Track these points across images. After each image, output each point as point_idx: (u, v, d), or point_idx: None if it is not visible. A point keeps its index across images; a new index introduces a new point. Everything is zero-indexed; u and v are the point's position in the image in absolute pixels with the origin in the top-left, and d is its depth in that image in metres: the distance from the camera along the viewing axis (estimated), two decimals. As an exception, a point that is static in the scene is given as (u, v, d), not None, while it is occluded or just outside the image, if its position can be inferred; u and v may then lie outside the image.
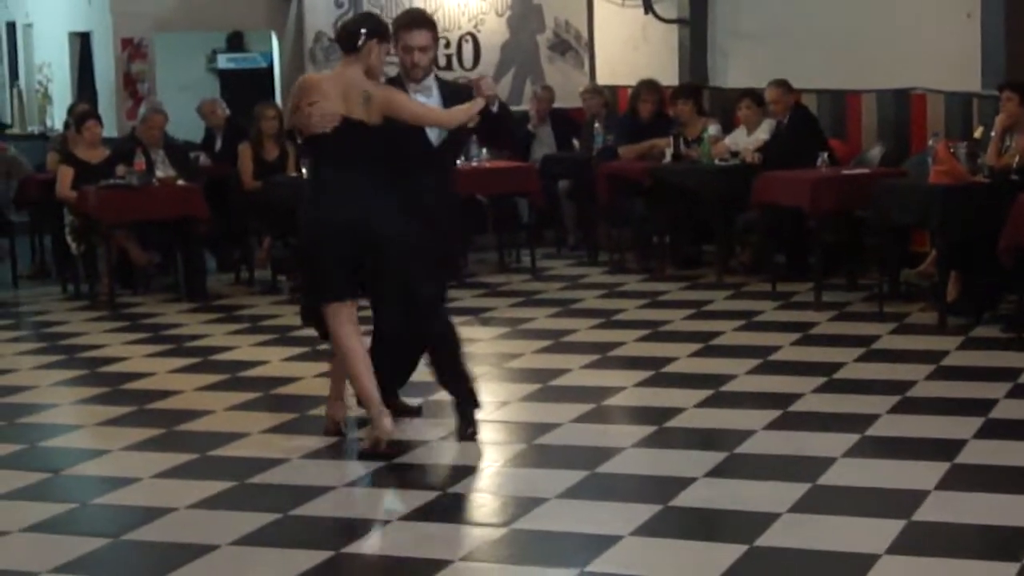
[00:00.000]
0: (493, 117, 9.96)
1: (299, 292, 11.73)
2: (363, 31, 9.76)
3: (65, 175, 16.16)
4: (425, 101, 9.91)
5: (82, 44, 21.62)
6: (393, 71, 10.15)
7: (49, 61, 23.60)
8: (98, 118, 17.42)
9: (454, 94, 10.08)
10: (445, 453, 10.00)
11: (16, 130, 22.68)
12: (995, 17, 14.17)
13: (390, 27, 10.07)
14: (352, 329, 9.72)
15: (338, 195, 9.63)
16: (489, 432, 10.14)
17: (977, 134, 13.50)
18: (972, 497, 8.41)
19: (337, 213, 9.55)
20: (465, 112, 9.77)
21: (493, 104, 9.85)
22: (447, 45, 19.29)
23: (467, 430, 10.02)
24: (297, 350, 12.79)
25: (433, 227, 9.93)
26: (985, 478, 8.73)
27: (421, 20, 10.21)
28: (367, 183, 9.75)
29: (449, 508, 8.73)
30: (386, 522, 8.32)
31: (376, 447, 9.64)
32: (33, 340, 14.17)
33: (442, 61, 19.30)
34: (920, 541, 7.68)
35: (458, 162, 11.38)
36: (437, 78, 10.32)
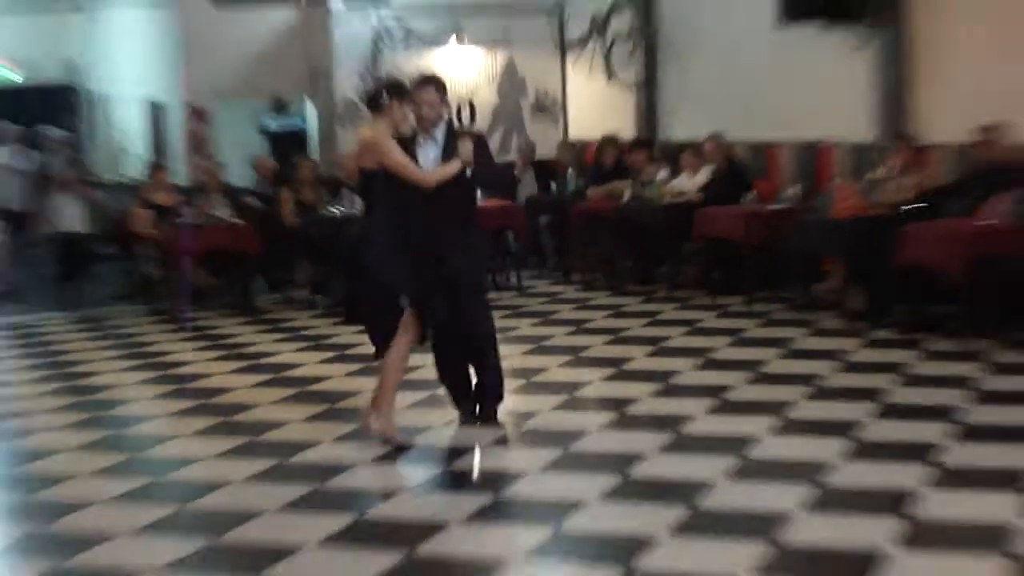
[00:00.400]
0: (472, 176, 9.88)
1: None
2: (385, 92, 9.73)
3: (142, 216, 16.19)
4: (428, 150, 9.80)
5: (156, 110, 21.60)
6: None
7: (129, 124, 23.60)
8: (168, 169, 17.47)
9: (475, 142, 9.94)
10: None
11: (107, 180, 22.66)
12: (885, 83, 14.23)
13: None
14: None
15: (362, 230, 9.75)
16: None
17: (873, 175, 13.54)
18: (867, 466, 8.46)
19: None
20: (439, 174, 9.65)
21: (468, 168, 9.69)
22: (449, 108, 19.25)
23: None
24: (330, 354, 12.79)
25: (412, 254, 9.63)
26: (879, 451, 8.79)
27: (430, 79, 10.08)
28: (371, 219, 9.84)
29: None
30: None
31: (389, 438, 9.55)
32: (116, 348, 14.13)
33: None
34: (825, 499, 7.74)
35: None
36: (450, 127, 10.19)
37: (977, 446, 8.80)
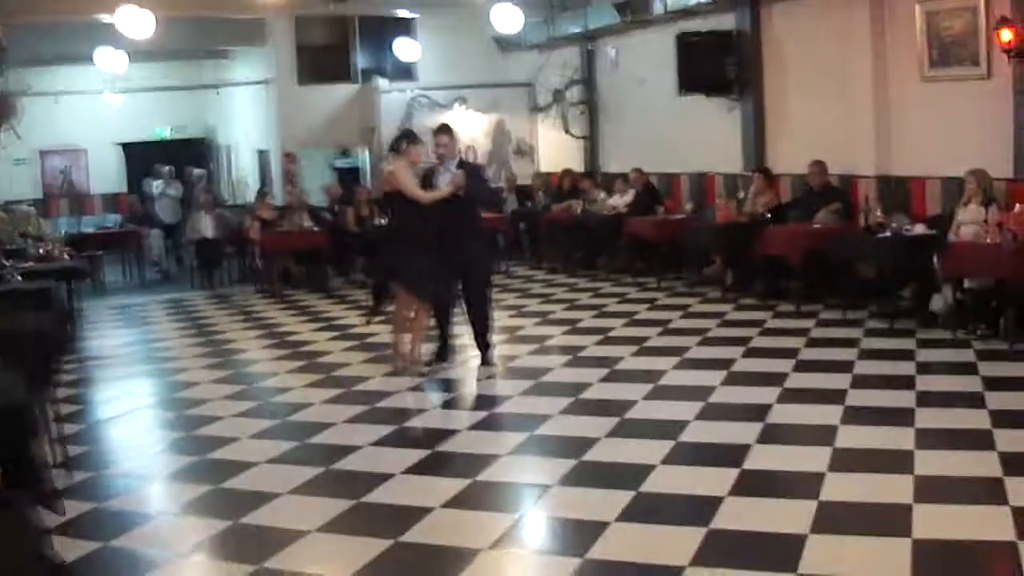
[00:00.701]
0: (468, 197, 9.69)
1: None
2: (403, 139, 9.74)
3: (254, 226, 16.15)
4: (443, 177, 9.69)
5: (263, 155, 21.58)
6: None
7: (245, 165, 23.60)
8: (270, 195, 17.45)
9: (468, 171, 9.81)
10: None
11: (228, 203, 22.61)
12: (749, 133, 14.24)
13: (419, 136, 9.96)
14: None
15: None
16: (477, 359, 10.17)
17: (741, 196, 13.56)
18: (739, 388, 8.49)
19: None
20: (433, 195, 9.53)
21: (460, 191, 9.54)
22: (460, 151, 19.12)
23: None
24: (380, 319, 12.72)
25: (434, 258, 9.50)
26: (746, 378, 8.80)
27: (443, 128, 10.07)
28: (389, 229, 9.97)
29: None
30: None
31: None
32: (237, 315, 14.15)
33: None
34: (708, 411, 7.79)
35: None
36: (461, 162, 10.18)
37: (808, 375, 8.82)
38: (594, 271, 16.18)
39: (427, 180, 9.85)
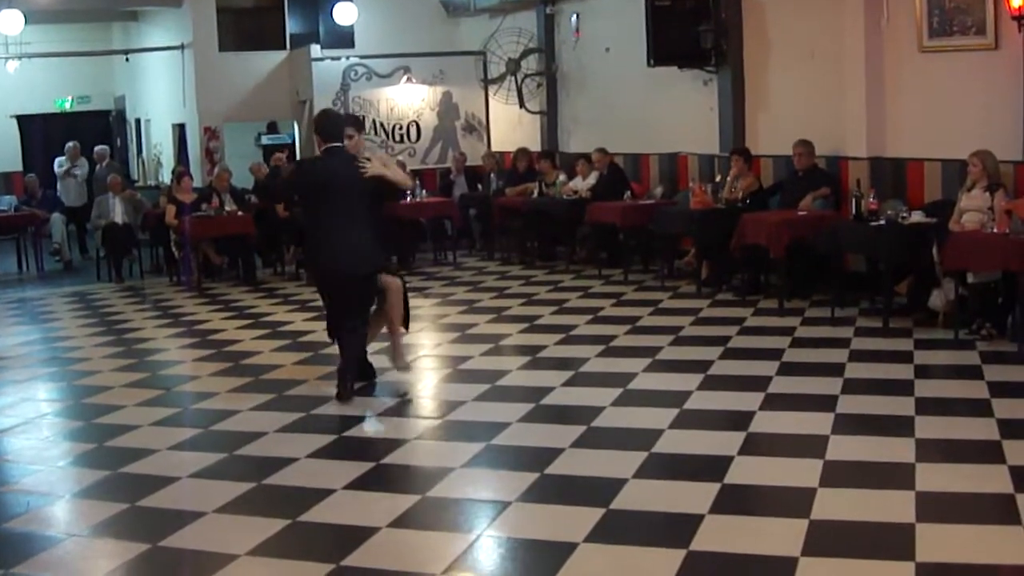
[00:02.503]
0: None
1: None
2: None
3: (170, 210, 16.04)
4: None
5: (180, 130, 21.46)
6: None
7: (160, 141, 23.43)
8: (190, 175, 17.37)
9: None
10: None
11: (140, 183, 22.48)
12: (726, 110, 14.28)
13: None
14: None
15: None
16: (425, 361, 10.15)
17: (717, 179, 13.60)
18: (715, 393, 8.52)
19: None
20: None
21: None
22: (401, 127, 19.22)
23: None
24: (310, 314, 12.71)
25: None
26: (724, 383, 8.82)
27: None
28: None
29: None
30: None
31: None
32: (152, 310, 14.07)
33: (396, 137, 19.28)
34: (683, 419, 7.81)
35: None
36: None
37: (792, 378, 8.86)
38: (553, 262, 16.23)
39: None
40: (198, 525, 6.24)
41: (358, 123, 10.24)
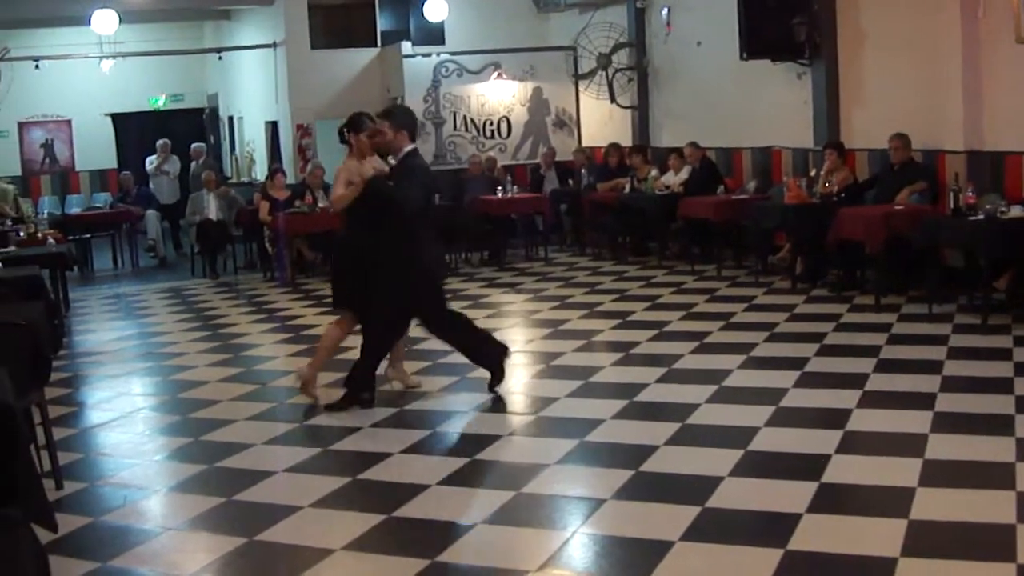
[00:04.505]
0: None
1: None
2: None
3: (264, 207, 16.23)
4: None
5: (272, 127, 21.63)
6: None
7: (253, 138, 23.64)
8: (283, 172, 17.54)
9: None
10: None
11: (233, 180, 22.70)
12: (820, 103, 14.15)
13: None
14: None
15: None
16: (517, 357, 10.14)
17: (812, 173, 13.49)
18: (812, 391, 8.42)
19: None
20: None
21: None
22: (491, 123, 19.27)
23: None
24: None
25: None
26: (820, 380, 8.73)
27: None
28: None
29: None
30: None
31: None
32: (246, 305, 14.21)
33: (487, 133, 19.36)
34: (780, 416, 7.74)
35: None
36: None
37: (889, 375, 8.76)
38: (645, 258, 16.20)
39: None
40: (293, 519, 6.29)
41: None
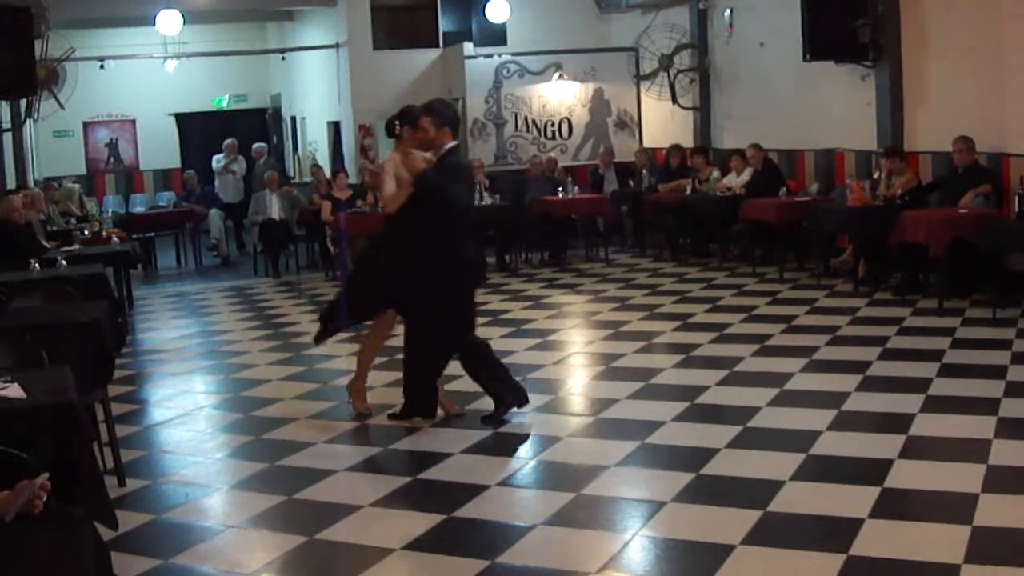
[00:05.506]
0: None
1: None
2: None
3: (326, 207, 16.30)
4: None
5: (335, 128, 21.72)
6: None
7: (315, 138, 23.75)
8: (345, 172, 17.60)
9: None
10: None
11: (296, 180, 22.81)
12: (884, 105, 14.04)
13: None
14: None
15: None
16: (577, 358, 10.10)
17: (875, 176, 13.38)
18: (874, 395, 8.35)
19: None
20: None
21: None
22: (553, 124, 19.29)
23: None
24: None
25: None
26: (883, 384, 8.64)
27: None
28: None
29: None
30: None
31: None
32: (308, 305, 14.28)
33: (548, 133, 19.36)
34: (841, 420, 7.68)
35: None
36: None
37: (953, 380, 8.64)
38: (706, 259, 16.14)
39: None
40: (353, 519, 6.31)
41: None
